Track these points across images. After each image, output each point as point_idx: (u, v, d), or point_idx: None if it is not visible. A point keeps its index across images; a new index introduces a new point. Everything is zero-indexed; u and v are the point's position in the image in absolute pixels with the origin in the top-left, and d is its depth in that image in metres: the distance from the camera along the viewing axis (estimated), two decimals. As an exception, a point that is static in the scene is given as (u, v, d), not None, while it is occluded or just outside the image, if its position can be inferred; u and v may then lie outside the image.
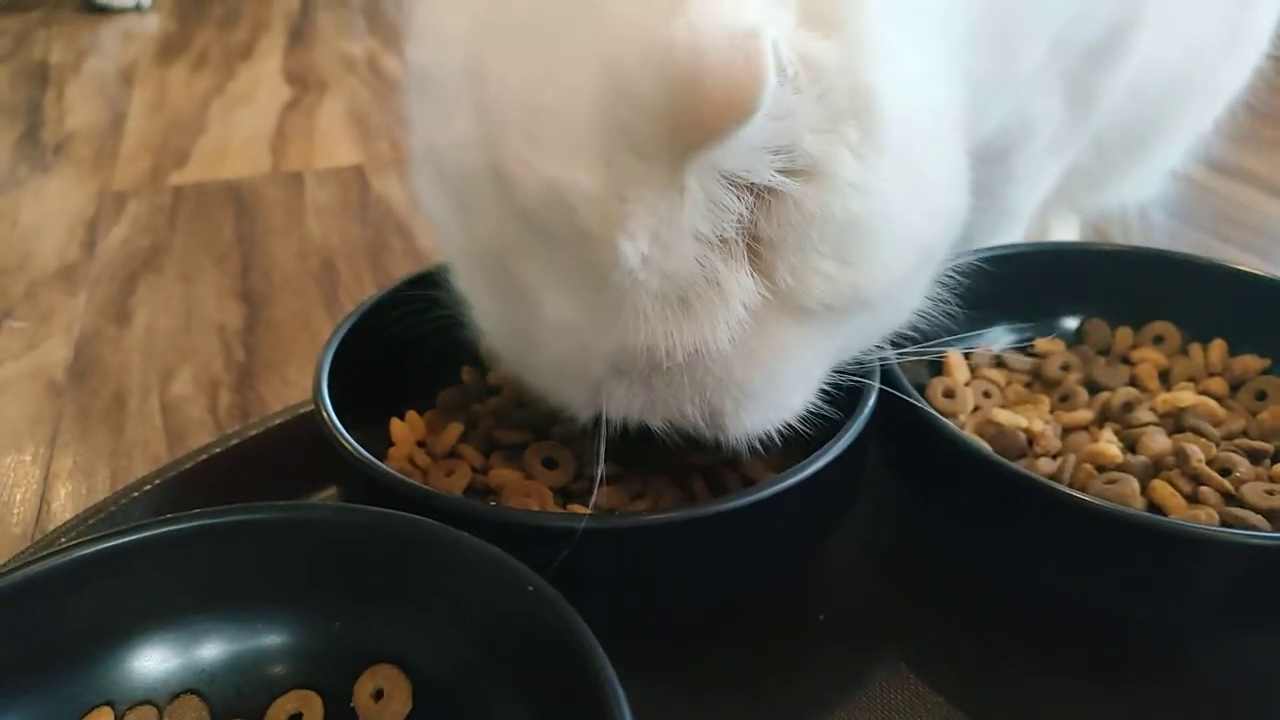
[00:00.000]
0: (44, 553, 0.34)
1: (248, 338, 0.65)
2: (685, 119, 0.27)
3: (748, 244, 0.31)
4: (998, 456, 0.39)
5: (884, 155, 0.31)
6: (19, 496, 0.52)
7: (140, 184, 0.88)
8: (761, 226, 0.31)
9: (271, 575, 0.35)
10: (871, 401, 0.41)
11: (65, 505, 0.51)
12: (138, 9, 1.42)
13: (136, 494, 0.43)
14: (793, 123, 0.29)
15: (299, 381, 0.61)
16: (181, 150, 0.95)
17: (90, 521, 0.43)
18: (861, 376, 0.41)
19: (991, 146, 0.51)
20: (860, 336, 0.38)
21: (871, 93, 0.30)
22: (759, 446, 0.38)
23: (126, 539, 0.34)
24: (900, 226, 0.33)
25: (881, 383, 0.41)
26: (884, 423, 0.41)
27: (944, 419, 0.40)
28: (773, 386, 0.35)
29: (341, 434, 0.39)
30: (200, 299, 0.69)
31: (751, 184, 0.30)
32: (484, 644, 0.33)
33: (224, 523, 0.35)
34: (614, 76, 0.28)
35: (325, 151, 0.95)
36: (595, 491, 0.38)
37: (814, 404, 0.38)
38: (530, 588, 0.31)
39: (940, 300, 0.40)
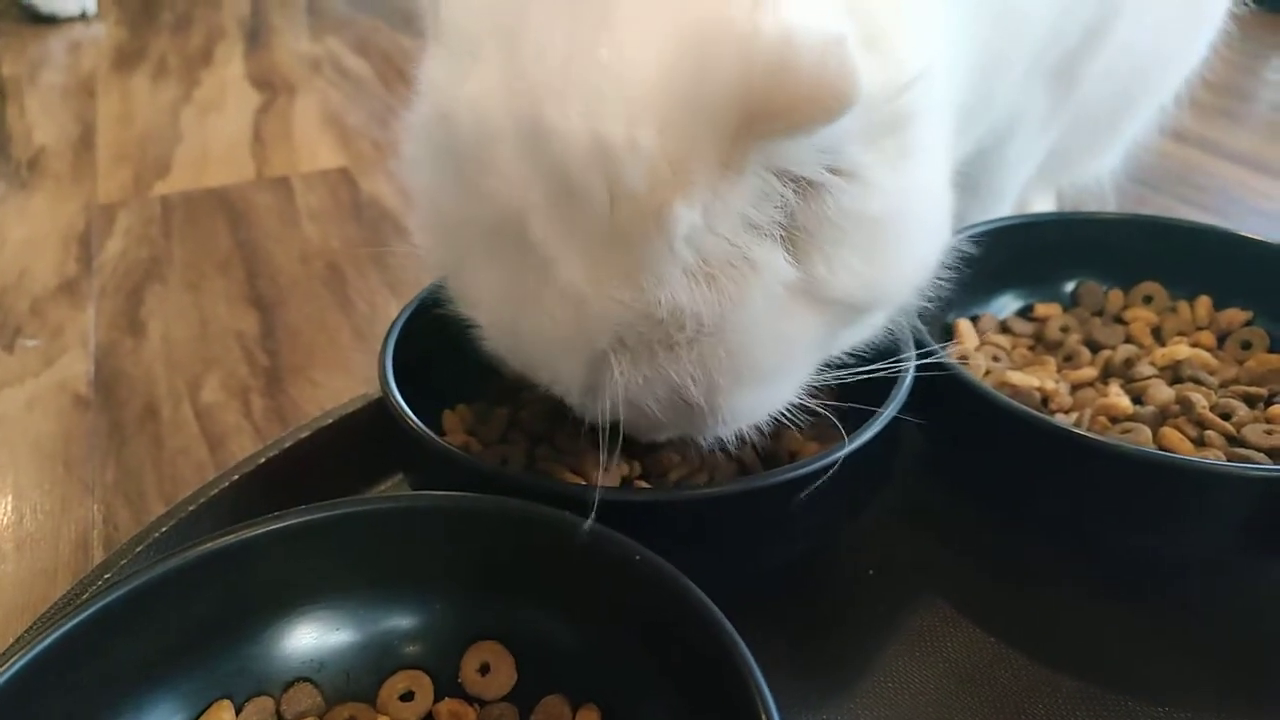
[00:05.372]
0: (158, 557, 0.36)
1: (267, 342, 0.66)
2: (767, 106, 0.29)
3: (784, 232, 0.33)
4: (1035, 412, 0.42)
5: (910, 169, 0.34)
6: (70, 509, 0.52)
7: (125, 196, 0.88)
8: (800, 217, 0.32)
9: (374, 564, 0.37)
10: (909, 378, 0.43)
11: (121, 513, 0.52)
12: (84, 17, 1.40)
13: (215, 492, 0.45)
14: (842, 129, 0.31)
15: (326, 383, 0.62)
16: (161, 160, 0.94)
17: (163, 529, 0.44)
18: (895, 347, 0.44)
19: (983, 146, 0.54)
20: (848, 341, 0.40)
21: (908, 113, 0.33)
22: (744, 437, 0.39)
23: (241, 536, 0.35)
24: (921, 234, 0.36)
25: (915, 349, 0.45)
26: (919, 386, 0.44)
27: (981, 380, 0.44)
28: (777, 372, 0.36)
29: (419, 426, 0.41)
30: (211, 307, 0.70)
31: (797, 177, 0.32)
32: (593, 614, 0.35)
33: (330, 517, 0.37)
34: (692, 52, 0.29)
35: (308, 155, 0.95)
36: (601, 473, 0.39)
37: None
38: (637, 556, 0.34)
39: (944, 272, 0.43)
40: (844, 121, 0.29)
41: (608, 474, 0.44)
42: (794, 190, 0.32)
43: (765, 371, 0.35)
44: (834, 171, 0.32)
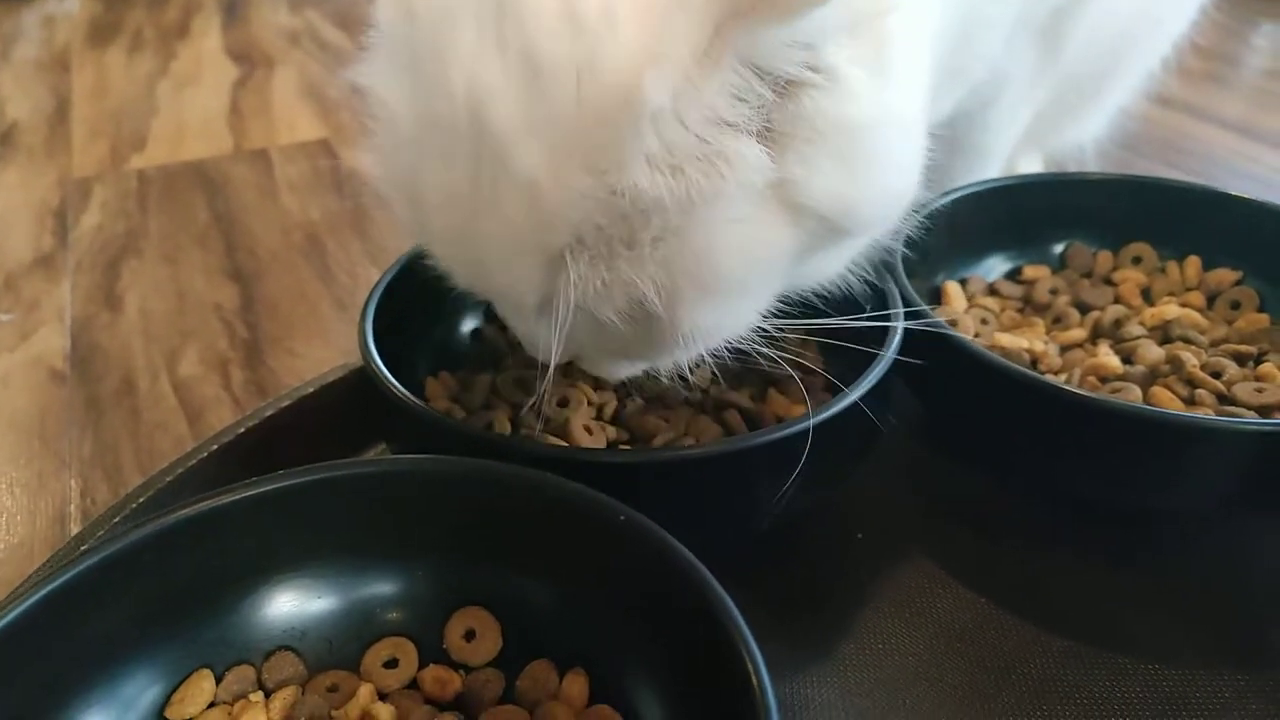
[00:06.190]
0: (133, 524, 0.35)
1: (246, 315, 0.65)
2: None
3: (761, 129, 0.32)
4: (1023, 369, 0.42)
5: (888, 81, 0.33)
6: (47, 484, 0.52)
7: (102, 170, 0.86)
8: (776, 117, 0.31)
9: (355, 529, 0.37)
10: (897, 339, 0.43)
11: (99, 487, 0.51)
12: (57, -9, 1.37)
13: (193, 463, 0.44)
14: (822, 27, 0.30)
15: (306, 354, 0.61)
16: (137, 134, 0.93)
17: (140, 500, 0.44)
18: (883, 307, 0.44)
19: (969, 106, 0.53)
20: (817, 269, 0.39)
21: (886, 19, 0.32)
22: (706, 363, 0.38)
23: (218, 502, 0.35)
24: (893, 157, 0.35)
25: (904, 307, 0.44)
26: (907, 345, 0.43)
27: (971, 339, 0.43)
28: (742, 284, 0.35)
29: (401, 391, 0.41)
30: (190, 280, 0.69)
31: (776, 75, 0.31)
32: (578, 577, 0.35)
33: (308, 482, 0.36)
34: None
35: (286, 127, 0.94)
36: (540, 404, 0.36)
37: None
38: (622, 517, 0.33)
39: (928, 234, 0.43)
40: (825, 11, 0.28)
41: (591, 437, 0.43)
42: (772, 90, 0.31)
43: (730, 280, 0.34)
44: (813, 70, 0.31)
